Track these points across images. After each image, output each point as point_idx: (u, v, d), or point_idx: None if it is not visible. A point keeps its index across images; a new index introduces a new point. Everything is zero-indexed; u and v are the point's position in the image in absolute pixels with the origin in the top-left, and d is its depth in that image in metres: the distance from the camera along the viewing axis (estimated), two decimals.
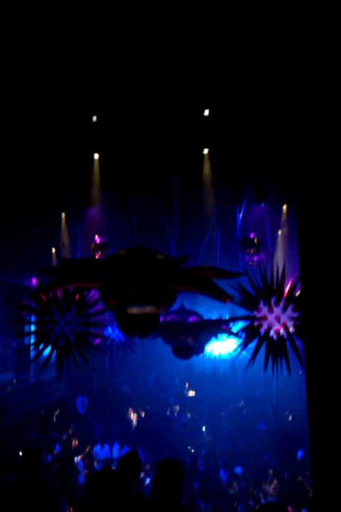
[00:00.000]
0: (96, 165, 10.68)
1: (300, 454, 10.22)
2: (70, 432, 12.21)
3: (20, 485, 3.75)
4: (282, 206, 11.65)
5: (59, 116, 8.90)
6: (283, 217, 11.76)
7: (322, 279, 2.68)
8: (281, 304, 6.64)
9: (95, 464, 11.10)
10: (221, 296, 5.76)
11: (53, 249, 13.06)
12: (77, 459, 11.08)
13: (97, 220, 11.80)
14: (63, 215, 12.43)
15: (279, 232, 12.20)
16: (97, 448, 11.67)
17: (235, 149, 9.62)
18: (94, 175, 10.75)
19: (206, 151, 10.19)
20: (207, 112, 8.96)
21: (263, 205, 11.06)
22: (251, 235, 11.29)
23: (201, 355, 9.30)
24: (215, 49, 6.93)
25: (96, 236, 11.84)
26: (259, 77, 7.45)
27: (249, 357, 6.84)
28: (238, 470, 9.10)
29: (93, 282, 6.20)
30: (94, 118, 9.40)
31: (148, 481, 8.78)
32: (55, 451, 11.26)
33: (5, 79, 7.58)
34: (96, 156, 10.60)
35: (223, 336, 8.77)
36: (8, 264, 13.04)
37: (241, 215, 11.59)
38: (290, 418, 12.26)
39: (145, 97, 8.39)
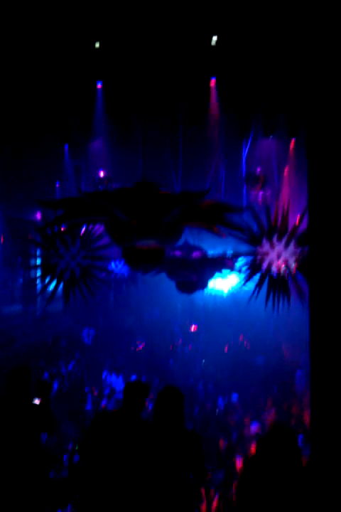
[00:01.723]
0: (99, 94, 10.35)
1: (298, 374, 10.59)
2: (77, 361, 12.69)
3: (9, 399, 3.98)
4: (290, 140, 11.33)
5: (61, 43, 8.53)
6: (291, 152, 11.48)
7: (331, 213, 2.63)
8: (283, 241, 6.65)
9: (102, 391, 11.58)
10: (235, 229, 5.82)
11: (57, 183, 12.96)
12: (85, 386, 11.56)
13: (101, 153, 11.58)
14: (66, 147, 12.20)
15: (286, 169, 11.95)
16: (104, 376, 12.14)
17: (243, 80, 9.25)
18: (98, 105, 10.45)
19: (213, 81, 9.81)
20: (214, 40, 8.54)
21: (270, 138, 10.76)
22: (257, 171, 11.09)
23: (204, 290, 9.43)
24: None
25: (101, 170, 11.68)
26: (269, 1, 7.04)
27: (251, 293, 6.93)
28: (234, 397, 9.49)
29: (101, 216, 6.17)
30: (97, 44, 9.01)
31: (150, 407, 9.19)
32: (63, 379, 11.72)
33: (6, 6, 7.22)
34: (99, 84, 10.25)
35: (226, 272, 8.85)
36: (12, 198, 12.99)
37: (247, 149, 11.32)
38: (287, 351, 12.61)
39: (151, 24, 7.98)
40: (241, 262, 7.58)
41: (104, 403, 10.48)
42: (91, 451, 3.79)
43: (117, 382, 11.59)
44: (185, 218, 5.95)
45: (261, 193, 10.89)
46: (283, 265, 6.59)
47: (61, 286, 8.37)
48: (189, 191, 6.17)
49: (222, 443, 7.28)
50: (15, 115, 10.30)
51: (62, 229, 8.00)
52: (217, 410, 9.29)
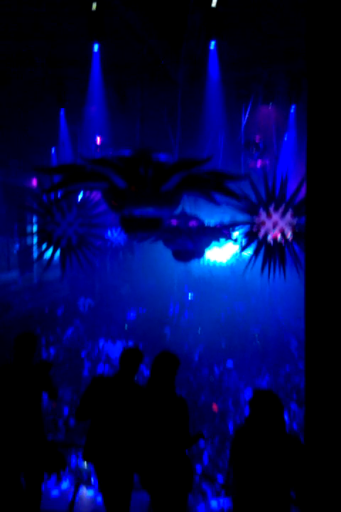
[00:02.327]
0: (96, 58, 10.10)
1: (293, 344, 10.77)
2: (74, 328, 12.80)
3: (16, 364, 4.16)
4: (290, 107, 11.13)
5: (56, 4, 8.28)
6: (291, 119, 11.29)
7: (330, 182, 2.59)
8: (280, 210, 6.63)
9: (98, 358, 11.73)
10: (235, 197, 5.79)
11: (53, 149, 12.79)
12: (81, 353, 11.70)
13: (97, 118, 11.39)
14: (62, 111, 11.99)
15: (285, 137, 11.79)
16: (100, 344, 12.28)
17: (244, 44, 9.03)
18: (94, 69, 10.21)
19: (212, 45, 9.56)
20: (215, 2, 8.29)
21: (270, 105, 10.58)
22: (256, 138, 10.93)
23: (200, 259, 9.44)
24: None
25: (97, 136, 11.51)
26: None
27: (247, 262, 6.95)
28: (229, 364, 9.65)
29: (100, 183, 6.11)
30: (94, 5, 8.74)
31: (146, 373, 9.33)
32: (60, 345, 11.85)
33: None
34: (95, 47, 9.99)
35: (223, 241, 8.84)
36: (7, 165, 12.85)
37: (246, 116, 11.12)
38: (283, 319, 12.77)
39: None
40: (237, 231, 7.56)
41: (100, 369, 10.62)
42: (87, 413, 3.92)
43: (113, 350, 11.73)
44: (184, 185, 5.90)
45: (259, 161, 10.77)
46: (280, 235, 6.59)
47: (58, 253, 8.36)
48: (189, 158, 6.08)
49: (216, 407, 7.44)
50: (9, 79, 10.09)
51: (58, 196, 7.93)
52: (212, 377, 9.45)
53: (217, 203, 5.82)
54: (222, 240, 8.56)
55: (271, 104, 10.49)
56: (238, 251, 7.19)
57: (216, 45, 9.34)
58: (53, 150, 13.01)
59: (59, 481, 7.96)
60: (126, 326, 13.38)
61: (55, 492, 7.15)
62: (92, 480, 7.85)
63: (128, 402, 3.81)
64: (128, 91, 10.72)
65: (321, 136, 2.63)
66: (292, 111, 11.21)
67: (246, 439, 3.11)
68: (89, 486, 7.71)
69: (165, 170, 5.79)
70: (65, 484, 7.87)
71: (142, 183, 5.74)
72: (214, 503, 6.49)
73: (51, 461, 4.28)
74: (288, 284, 7.41)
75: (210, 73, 9.99)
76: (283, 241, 6.58)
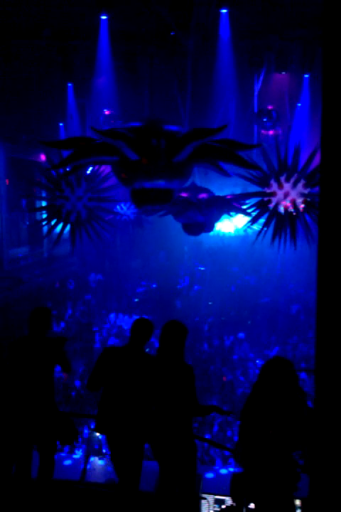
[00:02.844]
0: (103, 29, 9.89)
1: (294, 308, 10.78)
2: (85, 302, 12.90)
3: (31, 337, 4.20)
4: (304, 75, 10.83)
5: None
6: (305, 88, 10.99)
7: None
8: (292, 180, 6.52)
9: (109, 331, 11.84)
10: (247, 167, 5.70)
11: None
12: (92, 326, 11.81)
13: (106, 91, 11.22)
14: (70, 85, 11.83)
15: (298, 106, 11.50)
16: (111, 317, 12.38)
17: (256, 10, 8.75)
18: (102, 40, 10.01)
19: (224, 11, 9.27)
20: None
21: (283, 74, 10.31)
22: (269, 108, 10.70)
23: (211, 232, 9.37)
24: None
25: (106, 109, 11.38)
26: None
27: (258, 234, 6.88)
28: (241, 335, 9.69)
29: (110, 156, 6.04)
30: None
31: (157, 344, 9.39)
32: (71, 319, 11.96)
33: None
34: (103, 17, 9.77)
35: (233, 214, 8.74)
36: (16, 140, 12.79)
37: (259, 85, 10.86)
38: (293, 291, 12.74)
39: None
40: (248, 203, 7.47)
41: (111, 342, 10.72)
42: (99, 383, 3.96)
43: (124, 323, 11.81)
44: (196, 156, 5.81)
45: (271, 132, 10.57)
46: (291, 205, 6.50)
47: (68, 228, 8.36)
48: (202, 128, 5.95)
49: (225, 378, 7.49)
50: (16, 53, 9.95)
51: (67, 170, 7.88)
52: (222, 348, 9.51)
53: (227, 174, 5.74)
54: (233, 213, 8.47)
55: (284, 72, 10.22)
56: (249, 223, 7.10)
57: (227, 12, 9.08)
58: (61, 124, 12.90)
59: (72, 451, 8.14)
60: (137, 299, 13.44)
61: (67, 462, 7.31)
62: (104, 450, 8.00)
63: (139, 371, 3.84)
64: (137, 62, 10.51)
65: (336, 104, 2.53)
66: (306, 79, 10.92)
67: (256, 403, 3.12)
68: (100, 455, 7.88)
69: (177, 140, 5.70)
70: (77, 454, 8.04)
71: (154, 155, 5.67)
72: (223, 471, 6.59)
73: (64, 432, 4.34)
74: (299, 255, 7.35)
75: (221, 42, 9.74)
76: (294, 212, 6.49)
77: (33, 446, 4.25)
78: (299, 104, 11.35)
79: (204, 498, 4.71)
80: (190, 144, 5.58)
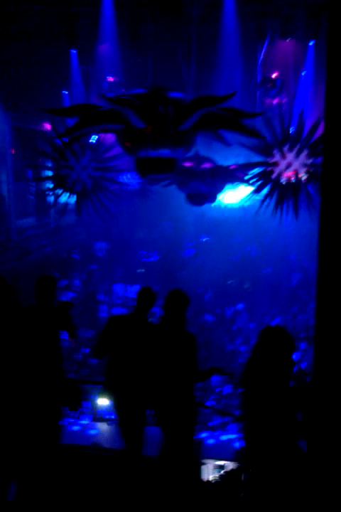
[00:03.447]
0: None
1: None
2: (92, 271, 13.02)
3: (39, 306, 4.25)
4: (309, 42, 10.58)
5: None
6: (309, 55, 10.74)
7: None
8: (295, 150, 6.47)
9: (115, 300, 12.00)
10: (252, 135, 5.67)
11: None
12: (98, 296, 11.96)
13: (110, 58, 11.06)
14: (74, 52, 11.66)
15: (303, 73, 11.27)
16: (117, 287, 12.52)
17: None
18: (106, 5, 9.83)
19: None
20: None
21: (288, 41, 10.07)
22: (273, 75, 10.49)
23: (214, 202, 9.36)
24: None
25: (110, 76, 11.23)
26: None
27: (260, 204, 6.88)
28: (240, 306, 9.78)
29: (116, 124, 6.01)
30: None
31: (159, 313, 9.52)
32: (78, 288, 12.11)
33: None
34: None
35: (237, 184, 8.71)
36: (20, 109, 12.68)
37: (263, 52, 10.63)
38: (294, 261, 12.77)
39: None
40: (251, 173, 7.43)
41: (116, 311, 10.88)
42: (105, 350, 4.06)
43: (129, 292, 11.95)
44: (200, 124, 5.77)
45: (276, 100, 10.40)
46: (293, 176, 6.47)
47: (74, 198, 8.40)
48: (208, 95, 5.89)
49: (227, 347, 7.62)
50: (19, 20, 9.80)
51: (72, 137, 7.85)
52: (223, 318, 9.62)
53: (227, 144, 5.72)
54: (236, 183, 8.44)
55: (288, 39, 9.99)
56: (251, 193, 7.08)
57: None
58: (66, 92, 12.76)
59: (79, 417, 8.37)
60: (142, 269, 13.53)
61: (75, 427, 7.55)
62: (109, 416, 8.21)
63: (142, 338, 3.92)
64: (141, 28, 10.31)
65: None
66: (311, 46, 10.66)
67: (255, 367, 3.19)
68: (107, 420, 8.11)
69: (184, 107, 5.66)
70: (84, 420, 8.29)
71: (161, 123, 5.64)
72: (223, 437, 6.77)
73: (71, 398, 4.46)
74: (302, 226, 7.33)
75: (226, 7, 9.52)
76: (296, 182, 6.46)
77: (40, 412, 4.37)
78: (304, 73, 11.11)
79: (205, 464, 4.85)
80: (196, 112, 5.54)
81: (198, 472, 4.56)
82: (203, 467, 4.80)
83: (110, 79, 11.16)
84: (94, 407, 8.58)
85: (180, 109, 5.71)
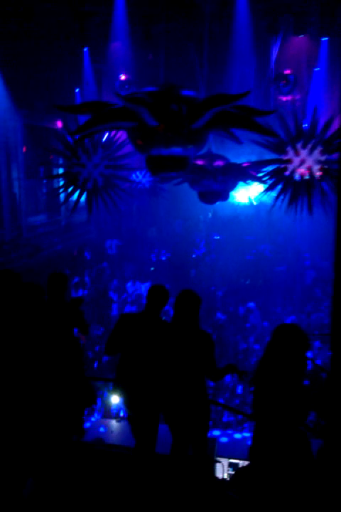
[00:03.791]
0: None
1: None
2: (103, 269, 13.05)
3: (50, 302, 4.29)
4: (322, 39, 10.46)
5: None
6: (322, 52, 10.62)
7: None
8: (308, 147, 6.41)
9: (126, 298, 12.01)
10: (265, 134, 5.63)
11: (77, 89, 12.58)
12: (109, 293, 11.98)
13: (122, 56, 11.06)
14: (86, 49, 11.68)
15: (317, 70, 11.16)
16: (128, 284, 12.53)
17: None
18: (118, 3, 9.83)
19: None
20: None
21: (301, 37, 9.98)
22: (286, 72, 10.40)
23: (227, 200, 9.32)
24: None
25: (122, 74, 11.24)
26: None
27: (274, 202, 6.82)
28: (251, 305, 9.72)
29: (129, 122, 6.01)
30: None
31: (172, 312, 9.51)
32: (89, 286, 12.14)
33: None
34: None
35: (249, 182, 8.67)
36: (32, 106, 12.73)
37: (277, 49, 10.54)
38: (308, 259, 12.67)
39: None
40: (264, 171, 7.38)
41: (128, 308, 10.89)
42: (116, 347, 4.05)
43: (140, 290, 11.95)
44: (213, 122, 5.74)
45: (289, 97, 10.32)
46: (307, 173, 6.41)
47: (85, 196, 8.41)
48: (223, 94, 5.86)
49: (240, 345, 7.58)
50: (31, 17, 9.83)
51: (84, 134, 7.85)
52: (235, 316, 9.58)
53: (239, 141, 5.68)
54: (249, 181, 8.39)
55: (301, 35, 9.89)
56: (264, 191, 7.04)
57: None
58: (77, 90, 12.80)
59: (90, 414, 8.39)
60: (153, 267, 13.52)
61: (86, 424, 7.57)
62: (121, 413, 8.24)
63: (154, 337, 3.90)
64: (153, 26, 10.30)
65: None
66: (324, 42, 10.55)
67: (268, 365, 3.17)
68: (118, 418, 8.12)
69: (198, 106, 5.63)
70: (95, 417, 8.31)
71: (174, 121, 5.63)
72: (237, 435, 6.76)
73: (86, 395, 4.45)
74: (316, 223, 7.27)
75: (239, 4, 9.46)
76: (310, 179, 6.40)
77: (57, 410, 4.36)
78: (317, 69, 11.01)
79: (219, 462, 4.84)
80: (210, 110, 5.52)
81: (212, 470, 4.54)
82: (217, 465, 4.79)
83: (122, 77, 11.17)
84: (104, 404, 8.61)
85: (194, 108, 5.69)
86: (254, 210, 13.66)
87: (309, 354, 7.48)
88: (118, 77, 11.30)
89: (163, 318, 4.23)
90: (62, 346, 4.22)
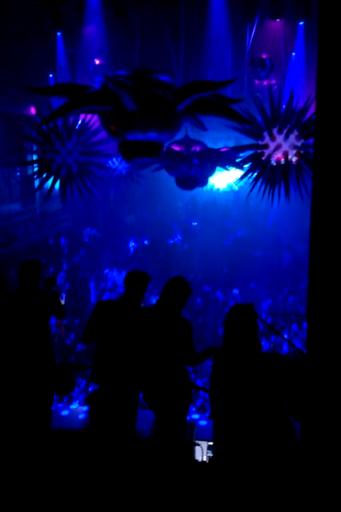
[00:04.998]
0: None
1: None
2: (79, 258, 12.92)
3: (23, 290, 4.27)
4: (299, 23, 10.47)
5: None
6: (299, 36, 10.65)
7: None
8: (284, 132, 6.44)
9: (105, 286, 11.93)
10: (240, 121, 5.64)
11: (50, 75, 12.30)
12: (87, 282, 11.89)
13: (96, 40, 10.85)
14: (60, 34, 11.41)
15: (293, 55, 11.19)
16: (105, 272, 12.45)
17: None
18: None
19: None
20: None
21: (277, 21, 9.96)
22: (263, 57, 10.39)
23: (204, 186, 9.31)
24: None
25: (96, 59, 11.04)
26: None
27: (251, 187, 6.85)
28: (235, 292, 9.79)
29: (105, 106, 5.90)
30: None
31: (153, 300, 9.48)
32: (66, 275, 12.01)
33: None
34: None
35: (227, 167, 8.67)
36: (4, 92, 12.42)
37: (253, 33, 10.50)
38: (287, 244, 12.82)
39: None
40: (242, 156, 7.39)
41: (106, 296, 10.82)
42: (94, 335, 4.01)
43: (118, 278, 11.89)
44: (190, 109, 5.71)
45: (265, 82, 10.33)
46: (283, 158, 6.44)
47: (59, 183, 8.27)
48: (205, 80, 5.84)
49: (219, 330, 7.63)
50: (3, 2, 9.55)
51: (57, 121, 7.70)
52: (214, 302, 9.64)
53: (204, 128, 5.69)
54: (227, 166, 8.39)
55: (278, 20, 9.88)
56: (241, 176, 7.05)
57: None
58: (51, 75, 12.53)
59: (69, 402, 8.34)
60: (131, 254, 13.46)
61: (65, 412, 7.51)
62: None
63: (133, 323, 3.87)
64: (128, 10, 10.12)
65: (333, 51, 2.46)
66: (300, 27, 10.56)
67: (223, 355, 3.22)
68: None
69: (180, 91, 5.58)
70: (74, 405, 8.25)
71: (159, 105, 5.56)
72: None
73: (61, 383, 4.42)
74: (292, 208, 7.33)
75: None
76: (286, 164, 6.45)
77: (32, 397, 4.32)
78: (293, 53, 11.04)
79: (198, 445, 4.88)
80: (192, 96, 5.48)
81: (191, 453, 4.59)
82: (196, 448, 4.83)
83: (97, 61, 10.97)
84: (82, 391, 8.56)
85: (178, 93, 5.64)
86: (233, 196, 13.70)
87: (286, 337, 7.59)
88: (93, 62, 11.10)
89: (142, 304, 4.20)
90: (30, 335, 4.19)
